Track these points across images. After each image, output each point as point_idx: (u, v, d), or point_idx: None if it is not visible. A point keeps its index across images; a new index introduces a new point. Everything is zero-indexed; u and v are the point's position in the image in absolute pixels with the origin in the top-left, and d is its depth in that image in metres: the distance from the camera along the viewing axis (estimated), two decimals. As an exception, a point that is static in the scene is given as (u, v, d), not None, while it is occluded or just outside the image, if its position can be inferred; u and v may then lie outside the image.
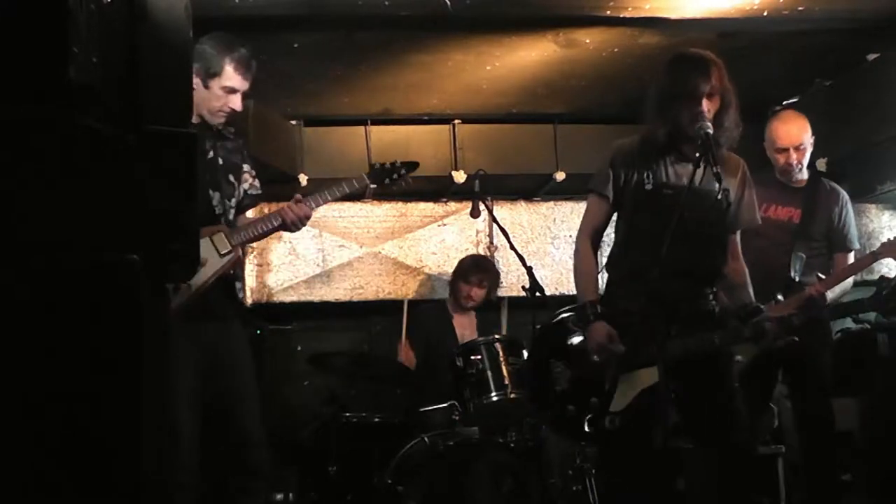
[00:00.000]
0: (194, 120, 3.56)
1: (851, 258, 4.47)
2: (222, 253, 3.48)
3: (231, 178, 3.66)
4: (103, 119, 1.46)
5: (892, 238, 4.41)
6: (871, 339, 5.37)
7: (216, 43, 3.55)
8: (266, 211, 6.21)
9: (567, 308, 3.63)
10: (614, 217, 3.58)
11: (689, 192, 3.18)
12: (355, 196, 6.26)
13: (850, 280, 4.40)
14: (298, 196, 3.67)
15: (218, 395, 3.52)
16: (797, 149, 4.41)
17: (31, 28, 1.40)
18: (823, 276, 4.22)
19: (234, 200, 3.66)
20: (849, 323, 5.64)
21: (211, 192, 3.57)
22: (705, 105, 3.24)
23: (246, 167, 3.76)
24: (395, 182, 3.97)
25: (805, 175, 4.53)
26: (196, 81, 3.51)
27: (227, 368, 3.57)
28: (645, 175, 3.37)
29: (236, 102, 3.60)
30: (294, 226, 3.64)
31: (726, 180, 3.26)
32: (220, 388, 3.53)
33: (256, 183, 3.79)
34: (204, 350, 3.45)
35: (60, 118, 1.41)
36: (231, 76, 3.56)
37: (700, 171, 3.11)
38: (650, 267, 3.15)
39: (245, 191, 3.74)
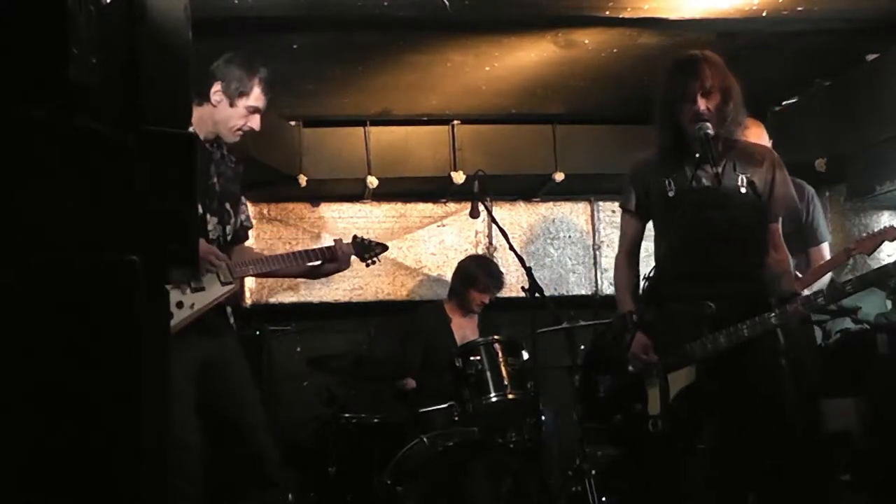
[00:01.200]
0: (208, 136, 3.58)
1: (826, 250, 4.46)
2: (223, 281, 3.50)
3: (228, 206, 3.68)
4: (102, 120, 1.46)
5: (866, 234, 4.42)
6: (870, 339, 5.37)
7: (242, 62, 3.58)
8: (266, 211, 6.25)
9: (607, 320, 3.66)
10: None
11: (709, 192, 3.21)
12: (355, 196, 6.28)
13: (829, 276, 4.37)
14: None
15: (223, 409, 3.52)
16: None
17: (31, 29, 1.40)
18: (800, 275, 4.21)
19: (229, 228, 3.68)
20: (848, 323, 5.64)
21: (208, 216, 3.58)
22: (703, 104, 3.22)
23: (242, 198, 3.80)
24: (371, 258, 4.09)
25: None
26: (219, 99, 3.55)
27: (229, 382, 3.56)
28: (666, 182, 3.37)
29: (256, 122, 3.63)
30: (329, 270, 3.84)
31: (751, 171, 3.28)
32: (225, 401, 3.53)
33: (250, 216, 3.87)
34: (200, 363, 3.44)
35: (60, 119, 1.41)
36: (258, 97, 3.59)
37: (719, 170, 3.11)
38: (686, 270, 3.19)
39: (242, 222, 3.76)
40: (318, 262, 3.83)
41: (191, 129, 3.47)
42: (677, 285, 3.31)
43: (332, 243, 3.85)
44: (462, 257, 6.05)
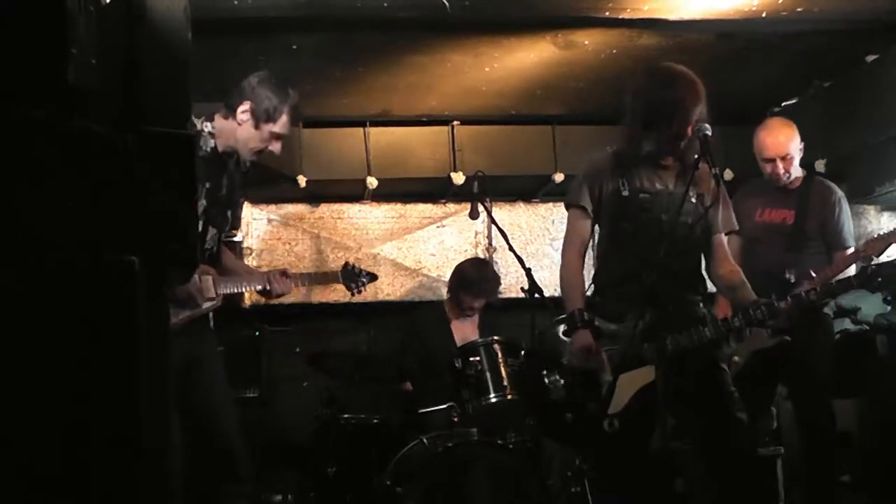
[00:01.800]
0: (226, 148, 3.58)
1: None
2: (206, 297, 3.52)
3: (228, 213, 3.69)
4: (102, 121, 1.46)
5: (875, 236, 4.42)
6: (869, 341, 5.38)
7: (274, 88, 3.58)
8: (266, 212, 6.24)
9: (558, 318, 3.67)
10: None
11: (665, 196, 3.36)
12: (354, 197, 6.29)
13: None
14: (286, 269, 3.84)
15: (196, 406, 3.52)
16: (783, 158, 4.42)
17: (30, 30, 1.40)
18: (814, 275, 4.21)
19: (222, 235, 3.70)
20: (847, 324, 5.64)
21: (210, 228, 3.59)
22: (691, 122, 3.34)
23: (242, 199, 3.81)
24: (358, 287, 4.13)
25: (798, 174, 4.53)
26: (246, 119, 3.55)
27: (201, 380, 3.57)
28: (620, 182, 3.47)
29: (278, 147, 3.65)
30: (275, 294, 3.78)
31: (700, 186, 3.40)
32: (196, 399, 3.53)
33: (248, 213, 3.89)
34: (179, 360, 3.44)
35: (59, 120, 1.41)
36: (284, 124, 3.60)
37: (714, 170, 3.16)
38: (634, 270, 3.22)
39: (232, 224, 3.78)
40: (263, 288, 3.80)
41: (213, 137, 3.52)
42: (628, 285, 3.35)
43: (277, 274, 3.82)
44: (462, 258, 6.05)
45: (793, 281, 4.28)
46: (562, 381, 3.52)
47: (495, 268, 6.22)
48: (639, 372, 3.29)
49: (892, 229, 4.30)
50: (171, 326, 3.34)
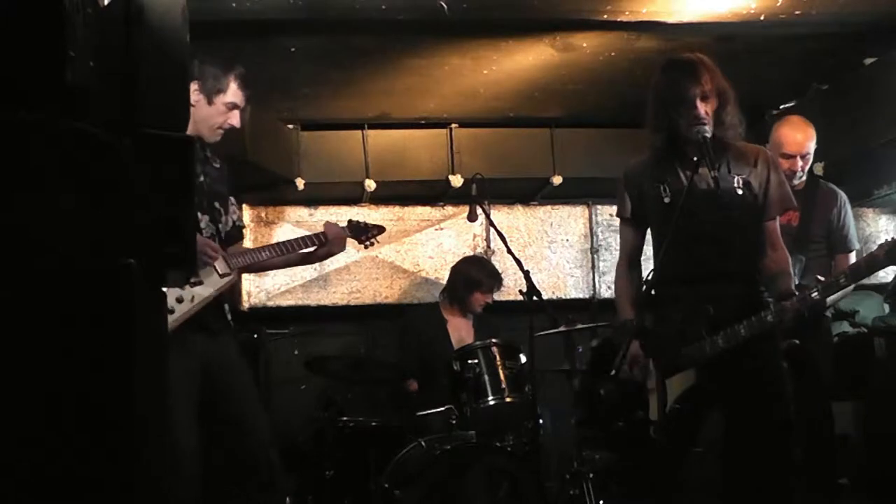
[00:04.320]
0: None
1: (853, 259, 4.44)
2: (221, 273, 3.52)
3: (217, 204, 3.68)
4: (100, 123, 1.46)
5: (887, 240, 4.41)
6: (868, 343, 5.38)
7: (216, 61, 3.60)
8: (264, 215, 6.24)
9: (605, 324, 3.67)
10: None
11: (704, 195, 3.23)
12: (352, 200, 6.28)
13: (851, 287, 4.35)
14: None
15: (225, 409, 3.51)
16: (803, 157, 4.41)
17: (28, 31, 1.40)
18: (822, 279, 4.20)
19: (221, 226, 3.68)
20: (846, 327, 5.64)
21: (199, 214, 3.58)
22: (701, 108, 3.22)
23: (231, 198, 3.79)
24: (368, 239, 4.17)
25: (803, 178, 4.53)
26: (198, 98, 3.55)
27: (231, 382, 3.56)
28: (661, 188, 3.37)
29: (236, 119, 3.65)
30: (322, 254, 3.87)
31: (746, 172, 3.30)
32: (227, 401, 3.52)
33: (240, 214, 3.87)
34: (201, 363, 3.44)
35: (57, 122, 1.41)
36: (234, 92, 3.60)
37: (716, 173, 3.10)
38: (682, 275, 3.22)
39: (234, 221, 3.76)
40: (312, 249, 3.84)
41: None
42: (675, 289, 3.31)
43: (324, 228, 3.87)
44: (461, 262, 6.05)
45: (797, 283, 4.27)
46: (614, 392, 3.51)
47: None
48: (681, 376, 3.28)
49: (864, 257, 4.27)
50: (191, 321, 3.36)
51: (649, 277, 3.45)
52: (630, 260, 3.59)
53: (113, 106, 1.51)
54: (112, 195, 1.46)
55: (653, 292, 3.33)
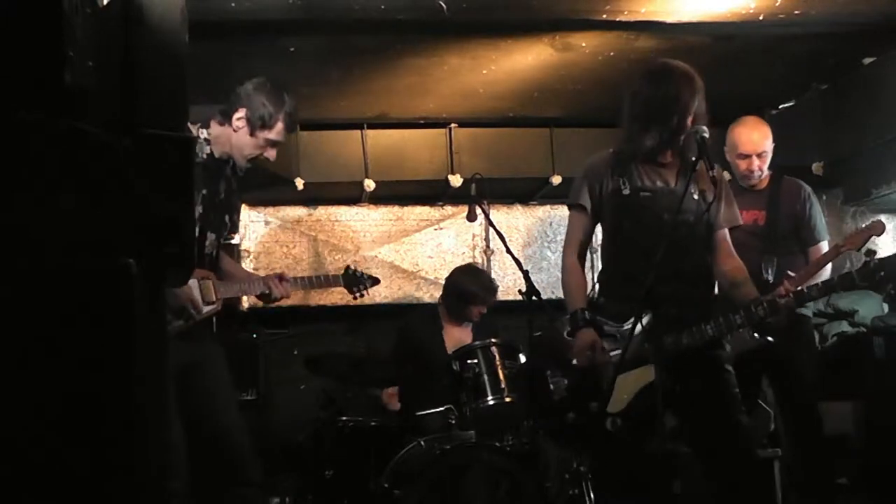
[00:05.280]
0: (222, 155, 3.58)
1: (824, 249, 4.43)
2: (206, 301, 3.51)
3: (227, 217, 3.68)
4: (99, 123, 1.46)
5: (855, 230, 4.42)
6: (866, 343, 5.38)
7: (270, 94, 3.56)
8: (263, 215, 6.24)
9: (560, 318, 3.67)
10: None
11: (667, 195, 3.33)
12: (352, 199, 6.29)
13: (827, 274, 4.32)
14: (283, 274, 3.83)
15: (199, 410, 3.51)
16: (759, 156, 4.42)
17: (27, 32, 1.40)
18: (793, 274, 4.20)
19: (221, 240, 3.70)
20: (845, 326, 5.65)
21: (209, 233, 3.58)
22: (688, 118, 3.34)
23: (240, 202, 3.82)
24: (360, 290, 4.18)
25: (766, 174, 4.53)
26: (242, 125, 3.54)
27: (205, 384, 3.55)
28: (621, 181, 3.46)
29: (273, 154, 3.64)
30: (274, 299, 3.79)
31: (703, 183, 3.38)
32: (200, 402, 3.51)
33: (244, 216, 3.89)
34: (180, 366, 3.43)
35: (56, 122, 1.41)
36: (279, 132, 3.59)
37: (712, 172, 3.17)
38: (637, 270, 3.22)
39: (234, 223, 3.78)
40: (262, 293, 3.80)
41: (208, 144, 3.53)
42: (629, 284, 3.32)
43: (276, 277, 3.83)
44: (459, 261, 6.05)
45: (772, 281, 4.25)
46: (565, 381, 3.51)
47: (493, 270, 6.23)
48: (640, 371, 3.28)
49: (869, 222, 4.28)
50: (169, 332, 3.36)
51: (600, 273, 3.51)
52: (579, 250, 3.64)
53: (112, 106, 1.51)
54: (112, 195, 1.46)
55: (599, 286, 3.43)
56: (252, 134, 3.55)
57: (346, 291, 4.17)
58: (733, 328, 3.31)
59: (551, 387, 3.52)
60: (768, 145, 4.44)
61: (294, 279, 3.86)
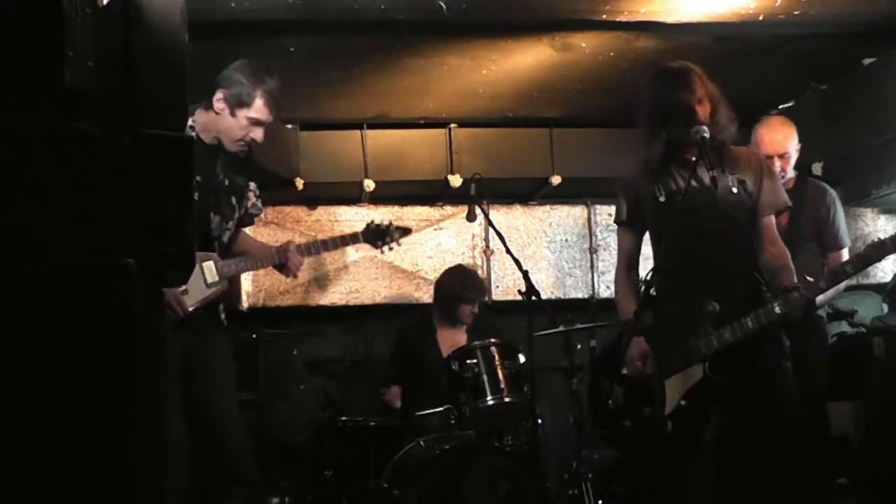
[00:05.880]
0: (210, 140, 3.57)
1: (845, 256, 4.43)
2: (209, 283, 3.48)
3: (233, 200, 3.66)
4: (99, 123, 1.46)
5: (877, 240, 4.40)
6: (866, 343, 5.38)
7: (248, 73, 3.55)
8: (263, 214, 6.23)
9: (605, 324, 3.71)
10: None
11: (702, 193, 3.29)
12: (351, 199, 6.29)
13: (842, 286, 4.32)
14: (291, 241, 3.79)
15: (198, 406, 3.50)
16: (782, 157, 4.39)
17: (27, 32, 1.40)
18: (811, 279, 4.18)
19: (231, 223, 3.67)
20: (844, 327, 5.64)
21: (211, 214, 3.56)
22: (699, 112, 3.32)
23: (252, 185, 3.77)
24: (386, 244, 4.07)
25: (792, 175, 4.52)
26: (222, 108, 3.53)
27: (205, 380, 3.54)
28: (656, 189, 3.45)
29: (259, 134, 3.60)
30: (290, 271, 3.75)
31: (741, 173, 3.37)
32: (198, 398, 3.50)
33: (259, 203, 3.84)
34: (182, 359, 3.42)
35: (56, 122, 1.41)
36: (260, 109, 3.56)
37: (713, 172, 3.15)
38: (681, 272, 3.28)
39: (247, 209, 3.74)
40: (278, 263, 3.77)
41: (193, 130, 3.51)
42: (676, 286, 3.35)
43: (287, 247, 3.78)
44: (459, 261, 6.05)
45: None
46: (620, 390, 3.52)
47: (492, 270, 6.24)
48: (687, 372, 3.30)
49: (891, 235, 4.27)
50: (179, 318, 3.35)
51: (649, 276, 3.48)
52: (629, 266, 3.66)
53: (112, 106, 1.51)
54: (111, 195, 1.46)
55: (652, 291, 3.37)
56: (233, 114, 3.53)
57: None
58: (772, 318, 3.23)
59: (608, 396, 3.53)
60: (792, 146, 4.41)
61: (307, 245, 3.80)
